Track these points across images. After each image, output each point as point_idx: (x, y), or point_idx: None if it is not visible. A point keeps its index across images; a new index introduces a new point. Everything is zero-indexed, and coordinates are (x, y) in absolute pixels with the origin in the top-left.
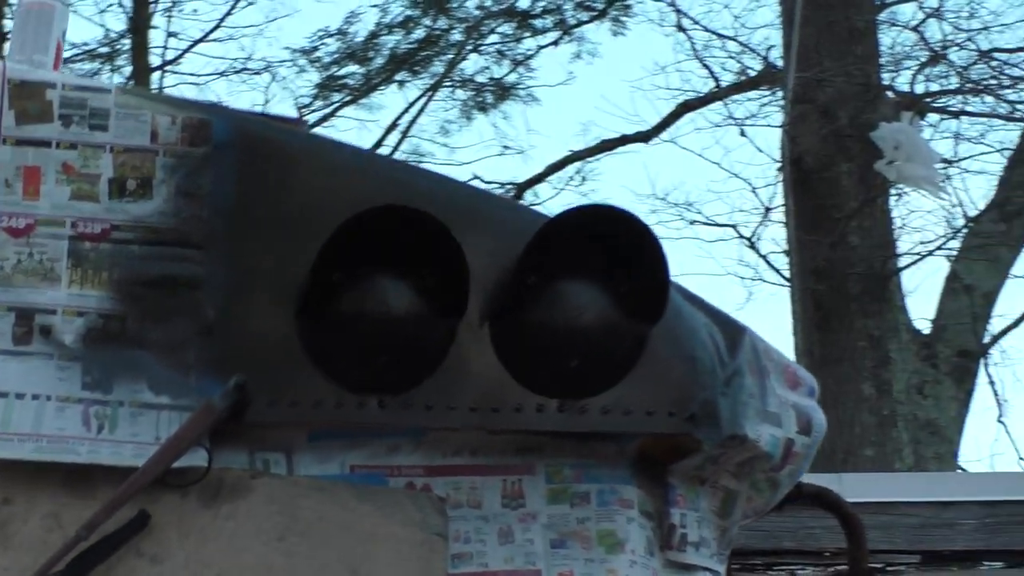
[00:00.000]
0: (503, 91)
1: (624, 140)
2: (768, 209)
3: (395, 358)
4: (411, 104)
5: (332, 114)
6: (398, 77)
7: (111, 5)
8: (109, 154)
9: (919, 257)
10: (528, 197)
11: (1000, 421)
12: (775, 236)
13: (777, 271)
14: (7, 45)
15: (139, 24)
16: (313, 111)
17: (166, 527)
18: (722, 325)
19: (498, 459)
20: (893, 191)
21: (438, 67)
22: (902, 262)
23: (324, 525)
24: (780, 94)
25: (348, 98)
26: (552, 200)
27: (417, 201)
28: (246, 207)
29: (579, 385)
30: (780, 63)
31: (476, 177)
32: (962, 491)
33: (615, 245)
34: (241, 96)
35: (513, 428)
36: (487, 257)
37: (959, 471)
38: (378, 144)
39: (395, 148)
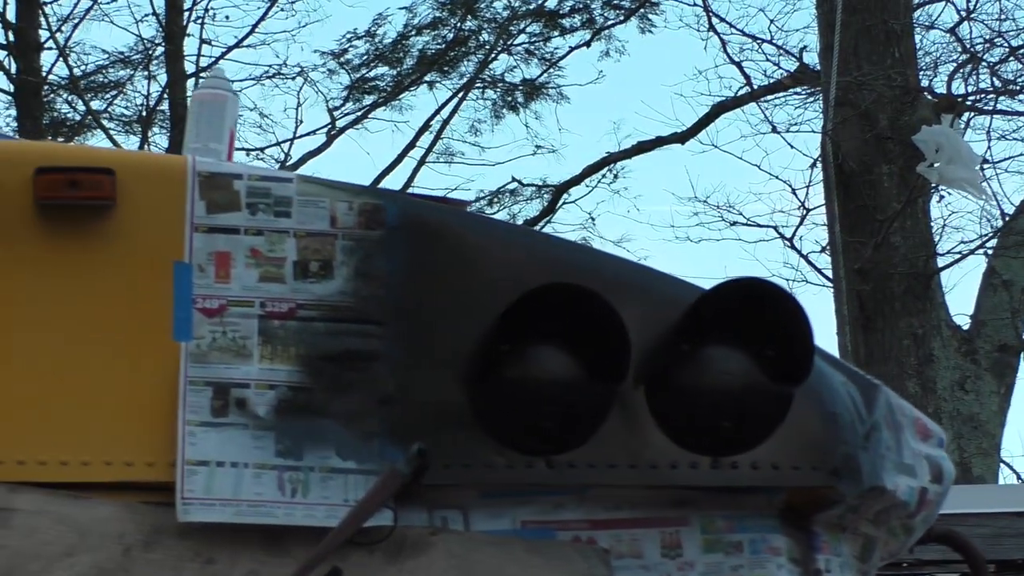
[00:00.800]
0: (533, 90)
1: (660, 141)
2: (808, 210)
3: (559, 421)
4: (442, 105)
5: (364, 116)
6: (428, 78)
7: (147, 15)
8: (293, 239)
9: (960, 256)
10: (564, 196)
11: None
12: (816, 237)
13: (819, 271)
14: (186, 133)
15: (173, 31)
16: (345, 114)
17: None
18: (858, 383)
19: (656, 512)
20: (934, 192)
21: (468, 67)
22: (943, 261)
23: None
24: (818, 97)
25: (379, 100)
26: (585, 198)
27: (574, 275)
28: (418, 285)
29: (730, 443)
30: (815, 65)
31: (513, 179)
32: (965, 504)
33: (763, 314)
34: (275, 100)
35: (670, 484)
36: (641, 324)
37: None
38: (411, 145)
39: (428, 149)
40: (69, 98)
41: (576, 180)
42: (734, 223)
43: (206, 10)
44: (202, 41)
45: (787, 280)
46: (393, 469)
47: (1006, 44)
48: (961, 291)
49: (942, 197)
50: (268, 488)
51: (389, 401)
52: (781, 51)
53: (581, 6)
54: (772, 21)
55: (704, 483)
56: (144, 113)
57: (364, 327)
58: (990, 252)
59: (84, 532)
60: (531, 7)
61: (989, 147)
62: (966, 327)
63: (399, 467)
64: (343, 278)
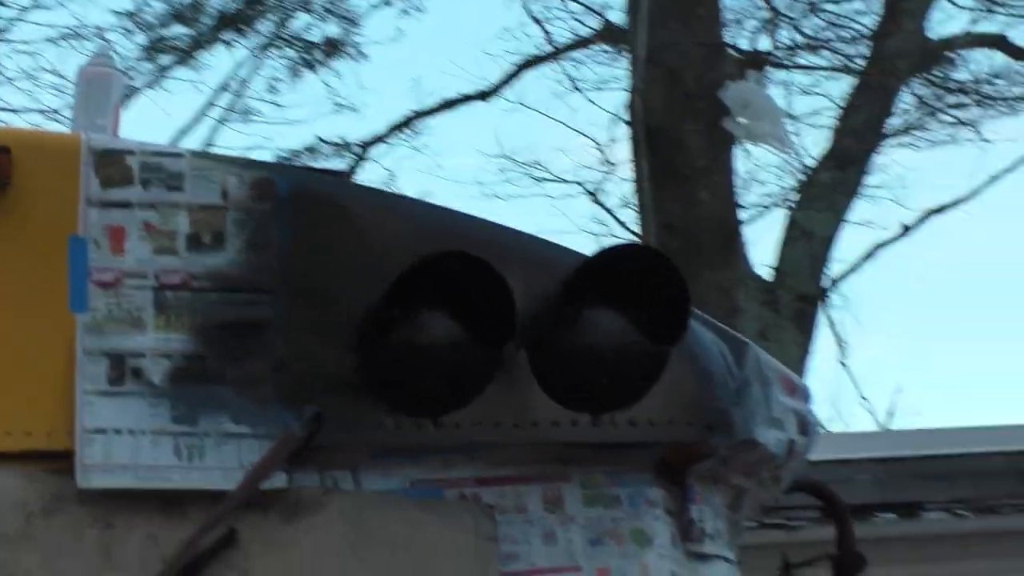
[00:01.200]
0: (332, 48)
1: (466, 98)
2: (613, 165)
3: (446, 382)
4: (240, 64)
5: (162, 76)
6: (226, 37)
7: None
8: (185, 212)
9: (764, 209)
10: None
11: (841, 362)
12: (622, 192)
13: (626, 227)
14: (73, 110)
15: None
16: (141, 74)
17: (252, 542)
18: (729, 341)
19: (538, 469)
20: (739, 148)
21: (266, 26)
22: (748, 215)
23: (390, 535)
24: (625, 55)
25: (177, 60)
26: (387, 155)
27: (464, 243)
28: (308, 255)
29: (608, 401)
30: (620, 23)
31: (318, 138)
32: (857, 449)
33: (641, 278)
34: (72, 60)
35: (552, 441)
36: (525, 289)
37: (856, 431)
38: (209, 104)
39: (227, 108)
40: None
41: (380, 138)
42: (541, 179)
43: None
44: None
45: (595, 235)
46: (287, 433)
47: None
48: (764, 244)
49: (748, 152)
50: (165, 454)
51: (281, 367)
52: (585, 8)
53: None
54: None
55: (584, 440)
56: None
57: (256, 296)
58: (791, 205)
59: None
60: None
61: (789, 102)
62: (769, 278)
63: (293, 431)
64: (234, 249)
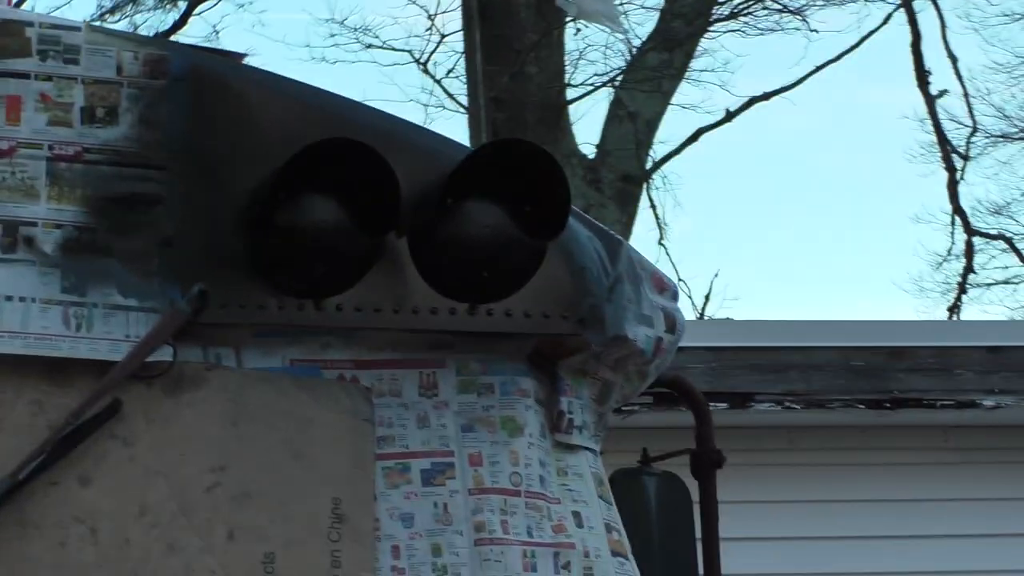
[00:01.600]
0: None
1: None
2: (443, 35)
3: (329, 266)
4: None
5: None
6: None
7: None
8: (80, 85)
9: (592, 89)
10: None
11: (661, 244)
12: (451, 64)
13: (453, 98)
14: None
15: None
16: None
17: (135, 414)
18: (604, 238)
19: (415, 354)
20: (570, 24)
21: None
22: (575, 93)
23: (269, 411)
24: None
25: None
26: (213, 10)
27: (352, 130)
28: (200, 134)
29: (486, 292)
30: None
31: None
32: (691, 338)
33: (523, 173)
34: None
35: (429, 329)
36: (409, 178)
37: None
38: None
39: None
40: None
41: None
42: (370, 46)
43: None
44: None
45: (424, 106)
46: (174, 308)
47: None
48: (589, 122)
49: (579, 30)
50: (54, 322)
51: (170, 243)
52: None
53: None
54: None
55: (461, 328)
56: None
57: (147, 172)
58: (618, 84)
59: None
60: None
61: None
62: (593, 157)
63: (180, 306)
64: (128, 124)
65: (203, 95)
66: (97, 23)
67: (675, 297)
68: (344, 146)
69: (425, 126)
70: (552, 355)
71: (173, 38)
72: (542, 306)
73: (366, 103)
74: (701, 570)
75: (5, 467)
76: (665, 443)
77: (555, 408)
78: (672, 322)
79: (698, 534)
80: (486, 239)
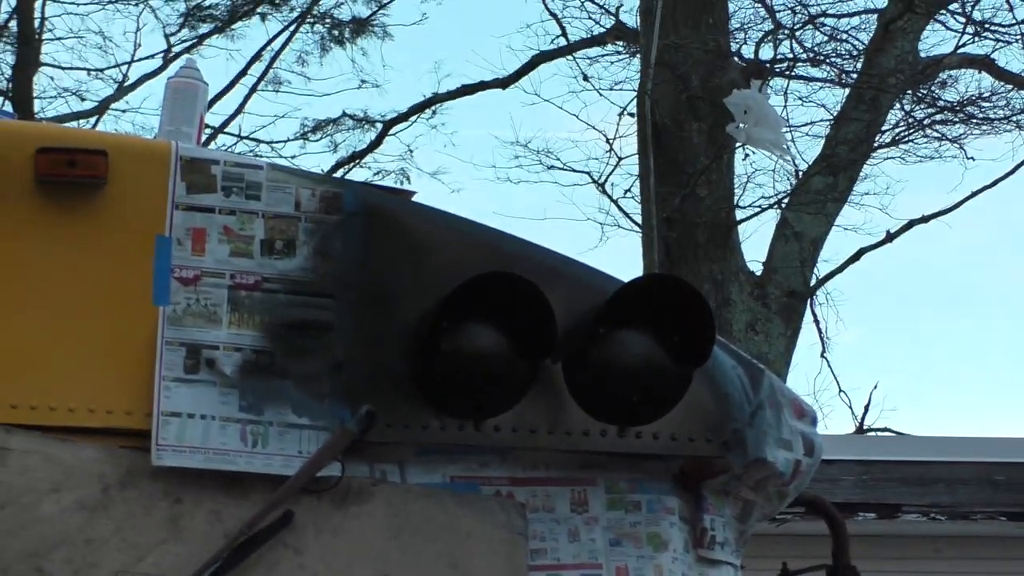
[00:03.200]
0: (359, 27)
1: (483, 85)
2: (620, 159)
3: (489, 390)
4: (274, 36)
5: (199, 43)
6: (261, 10)
7: None
8: (261, 219)
9: (759, 210)
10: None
11: (823, 356)
12: (626, 184)
13: (629, 216)
14: (160, 116)
15: None
16: (181, 40)
17: (306, 525)
18: (746, 367)
19: (568, 473)
20: (739, 150)
21: (299, 1)
22: (742, 213)
23: (430, 525)
24: (636, 56)
25: (214, 28)
26: (407, 131)
27: (512, 263)
28: (370, 266)
29: (635, 416)
30: (633, 25)
31: (343, 111)
32: (842, 451)
33: (672, 306)
34: (116, 24)
35: (581, 449)
36: (565, 308)
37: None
38: (242, 73)
39: (259, 77)
40: None
41: (403, 117)
42: (551, 167)
43: None
44: None
45: (600, 224)
46: (343, 427)
47: (806, 13)
48: (757, 241)
49: (747, 155)
50: (232, 439)
51: (340, 367)
52: (601, 9)
53: None
54: None
55: (611, 449)
56: None
57: (321, 300)
58: (784, 206)
59: (69, 471)
60: None
61: (787, 109)
62: (760, 273)
63: (349, 425)
64: (304, 256)
65: (374, 229)
66: (280, 162)
67: (814, 423)
68: (504, 279)
69: (579, 260)
70: (696, 475)
71: (370, 157)
72: (687, 430)
73: (525, 239)
74: None
75: (184, 573)
76: (809, 551)
77: (699, 525)
78: (811, 446)
79: None
80: (636, 366)
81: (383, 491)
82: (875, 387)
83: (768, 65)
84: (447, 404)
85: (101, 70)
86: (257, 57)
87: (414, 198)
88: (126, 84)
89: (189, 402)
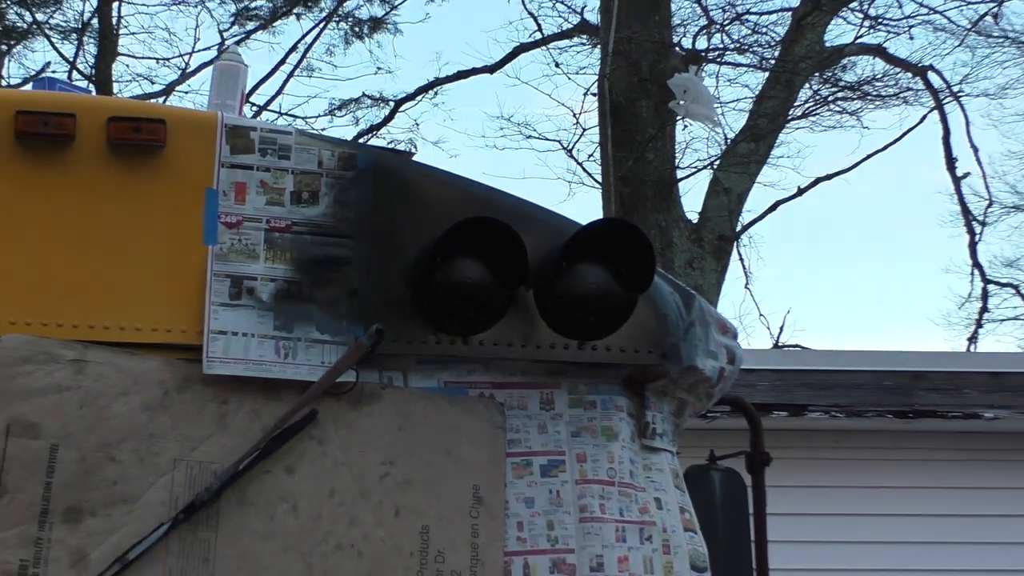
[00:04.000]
0: (376, 24)
1: (475, 71)
2: (584, 130)
3: (474, 312)
4: (306, 32)
5: (246, 37)
6: (296, 11)
7: None
8: (291, 175)
9: (696, 171)
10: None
11: (747, 287)
12: (589, 151)
13: (592, 176)
14: (209, 92)
15: None
16: (232, 35)
17: (327, 421)
18: (681, 293)
19: (537, 379)
20: (679, 122)
21: (327, 3)
22: (683, 173)
23: (428, 420)
24: (598, 47)
25: (259, 26)
26: (414, 108)
27: (492, 210)
28: (379, 211)
29: (591, 332)
30: (594, 19)
31: (363, 93)
32: (760, 362)
33: (620, 243)
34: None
35: (549, 359)
36: (535, 246)
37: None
38: (281, 62)
39: (295, 65)
40: (18, 10)
41: (411, 97)
42: (529, 136)
43: None
44: None
45: (568, 182)
46: (358, 342)
47: (734, 11)
48: (694, 195)
49: (686, 127)
50: (268, 352)
51: (355, 294)
52: (569, 9)
53: None
54: None
55: (572, 359)
56: (80, 26)
57: (339, 240)
58: (716, 167)
59: (136, 378)
60: None
61: (718, 89)
62: (696, 221)
63: (362, 341)
64: (325, 204)
65: (381, 183)
66: (306, 127)
67: (735, 337)
68: (486, 222)
69: (545, 206)
70: (640, 380)
71: (384, 129)
72: (633, 343)
73: (503, 189)
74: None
75: (229, 460)
76: (733, 442)
77: (642, 420)
78: (733, 356)
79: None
80: (592, 293)
81: (390, 393)
82: (788, 312)
83: (703, 54)
84: (441, 323)
85: (167, 59)
86: (293, 49)
87: (413, 158)
88: (188, 71)
89: (233, 322)
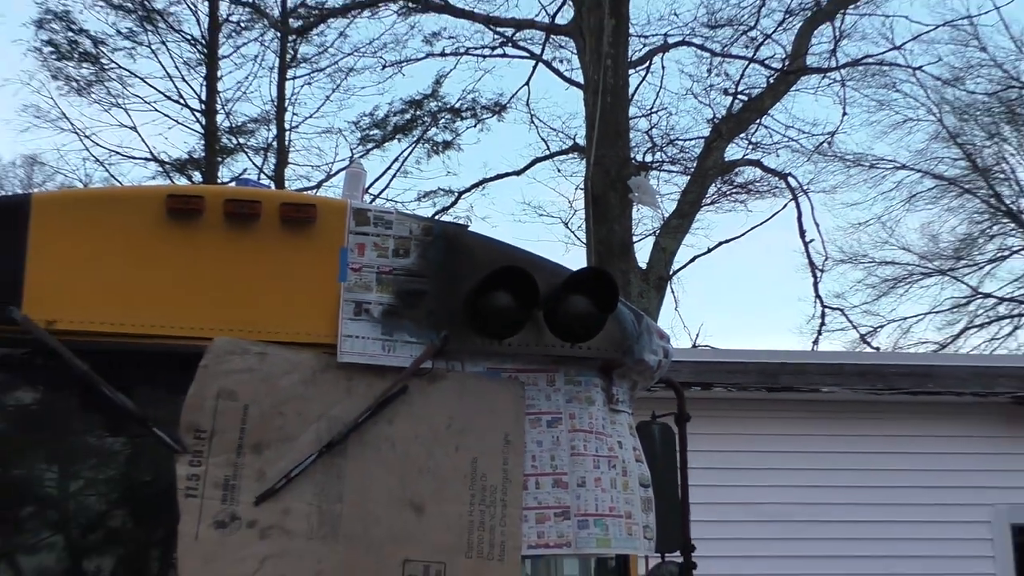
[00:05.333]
0: (446, 145)
1: (507, 175)
2: (575, 211)
3: (505, 325)
4: (403, 151)
5: (366, 152)
6: (397, 137)
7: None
8: (392, 239)
9: (645, 236)
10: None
11: (676, 310)
12: (578, 224)
13: (580, 240)
14: (342, 189)
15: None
16: (358, 152)
17: (413, 392)
18: (634, 313)
19: (544, 366)
20: (634, 205)
21: (416, 133)
22: (637, 238)
23: (476, 391)
24: (584, 160)
25: (374, 145)
26: (471, 197)
27: (518, 262)
28: (447, 262)
29: (579, 338)
30: (582, 142)
31: (438, 187)
32: (682, 356)
33: (597, 283)
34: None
35: (552, 354)
36: (544, 284)
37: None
38: (388, 168)
39: (395, 172)
40: (229, 136)
41: (468, 189)
42: (540, 215)
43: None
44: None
45: (565, 243)
46: (432, 343)
47: (668, 137)
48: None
49: (639, 208)
50: (377, 349)
51: (431, 313)
52: (566, 136)
53: (468, 108)
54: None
55: (566, 354)
56: (265, 146)
57: (421, 280)
58: (657, 234)
59: (295, 364)
60: (446, 106)
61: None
62: (644, 268)
63: (435, 343)
64: (413, 257)
65: (448, 244)
66: (406, 207)
67: (668, 341)
68: (512, 269)
69: (552, 259)
70: (609, 367)
71: (451, 210)
72: (605, 344)
73: (526, 248)
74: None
75: (353, 415)
76: (666, 406)
77: (610, 392)
78: (666, 353)
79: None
80: (579, 313)
81: (452, 375)
82: (701, 325)
83: (649, 164)
84: (484, 331)
85: (317, 166)
86: (396, 160)
87: (468, 228)
88: (331, 173)
89: (356, 330)
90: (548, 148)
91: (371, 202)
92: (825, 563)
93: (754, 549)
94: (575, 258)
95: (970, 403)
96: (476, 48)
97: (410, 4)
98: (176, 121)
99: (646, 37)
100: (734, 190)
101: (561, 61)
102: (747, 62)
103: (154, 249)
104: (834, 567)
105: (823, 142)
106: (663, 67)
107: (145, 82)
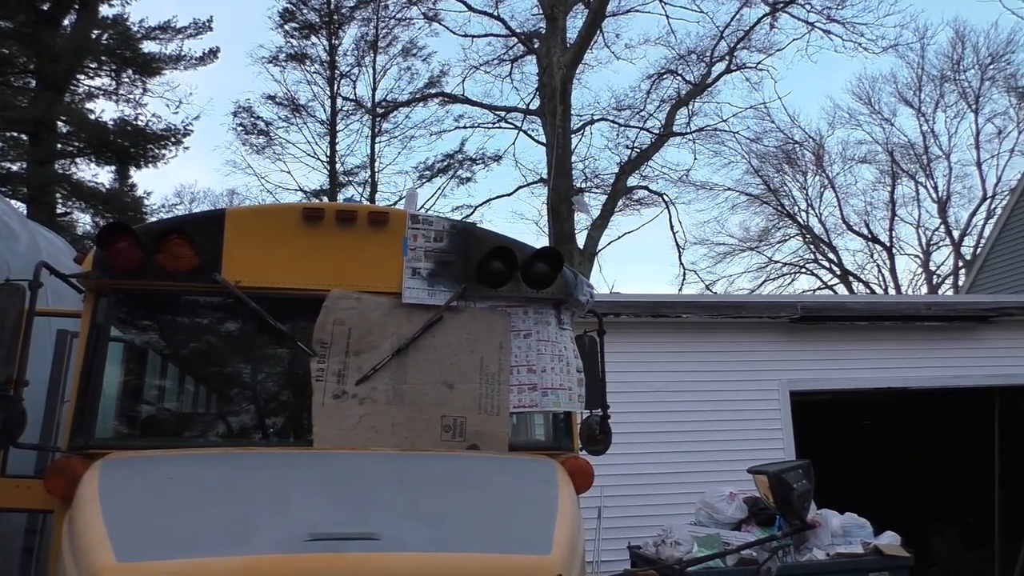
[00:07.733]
0: (465, 180)
1: (498, 197)
2: (542, 215)
3: (499, 279)
4: (441, 184)
5: (420, 184)
6: (438, 174)
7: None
8: (433, 231)
9: (583, 230)
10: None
11: (601, 274)
12: (544, 224)
13: (544, 233)
14: (404, 205)
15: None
16: (416, 186)
17: (447, 318)
18: (576, 272)
19: (521, 304)
20: (576, 214)
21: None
22: (576, 231)
23: (483, 319)
24: (546, 187)
25: (425, 180)
26: (479, 212)
27: (505, 243)
28: (464, 244)
29: (543, 288)
30: (546, 177)
31: (463, 203)
32: (610, 299)
33: (552, 255)
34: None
35: (526, 296)
36: (520, 257)
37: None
38: (433, 193)
39: (436, 197)
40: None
41: (476, 207)
42: (523, 217)
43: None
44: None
45: (535, 235)
46: (456, 291)
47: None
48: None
49: (579, 214)
50: (424, 295)
51: (456, 274)
52: (535, 172)
53: (480, 158)
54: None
55: (534, 296)
56: (363, 185)
57: (450, 255)
58: (589, 227)
59: (379, 304)
60: (467, 156)
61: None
62: (581, 248)
63: (458, 290)
64: (445, 242)
65: (465, 234)
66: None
67: (593, 289)
68: (501, 248)
69: (527, 243)
70: (559, 303)
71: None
72: (557, 290)
73: (512, 237)
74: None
75: (411, 331)
76: (591, 326)
77: (560, 318)
78: (592, 296)
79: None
80: (541, 272)
81: (469, 309)
82: (615, 280)
83: (584, 189)
84: (487, 284)
85: (392, 192)
86: (438, 189)
87: (478, 225)
88: (401, 196)
89: (413, 283)
90: (526, 179)
91: (421, 210)
92: (684, 427)
93: (635, 418)
94: (542, 242)
95: (767, 322)
96: (484, 123)
97: (445, 99)
98: (312, 168)
99: (581, 115)
100: (633, 203)
101: (533, 129)
102: (639, 129)
103: (296, 239)
104: (683, 429)
105: (683, 174)
106: (591, 132)
107: (295, 146)
